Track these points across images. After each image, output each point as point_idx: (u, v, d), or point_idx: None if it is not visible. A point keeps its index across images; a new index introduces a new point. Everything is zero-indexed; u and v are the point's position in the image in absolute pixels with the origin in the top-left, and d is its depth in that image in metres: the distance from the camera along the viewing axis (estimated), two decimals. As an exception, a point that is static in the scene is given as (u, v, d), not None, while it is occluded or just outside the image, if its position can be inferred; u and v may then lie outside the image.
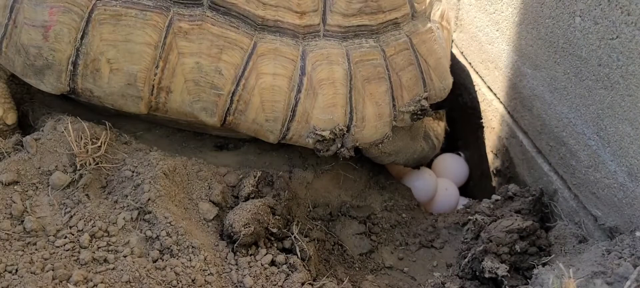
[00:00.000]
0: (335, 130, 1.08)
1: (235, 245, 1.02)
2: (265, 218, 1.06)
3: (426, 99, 1.17)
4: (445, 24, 1.29)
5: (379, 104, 1.12)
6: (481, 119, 1.56)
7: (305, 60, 1.06)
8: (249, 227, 1.02)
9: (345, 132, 1.09)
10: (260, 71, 1.04)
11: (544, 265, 1.02)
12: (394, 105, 1.14)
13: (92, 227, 0.97)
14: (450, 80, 1.25)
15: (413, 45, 1.17)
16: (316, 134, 1.07)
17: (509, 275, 1.03)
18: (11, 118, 1.11)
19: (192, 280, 0.95)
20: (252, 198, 1.10)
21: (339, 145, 1.09)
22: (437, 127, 1.37)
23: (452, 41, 1.68)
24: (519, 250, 1.05)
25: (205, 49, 1.02)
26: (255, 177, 1.13)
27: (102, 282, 0.90)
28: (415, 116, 1.17)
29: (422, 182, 1.44)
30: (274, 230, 1.07)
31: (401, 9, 1.15)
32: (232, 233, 1.02)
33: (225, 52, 1.03)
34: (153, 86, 1.04)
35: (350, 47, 1.09)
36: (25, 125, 1.17)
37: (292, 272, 1.02)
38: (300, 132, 1.08)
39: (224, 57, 1.03)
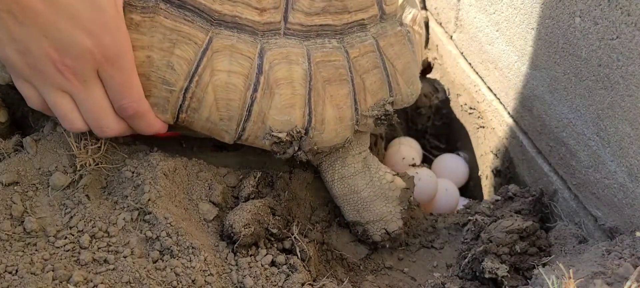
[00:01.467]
0: (292, 132, 1.03)
1: (236, 245, 1.02)
2: (266, 218, 1.06)
3: (391, 103, 1.13)
4: (417, 29, 1.24)
5: (340, 106, 1.07)
6: (481, 119, 1.56)
7: (263, 59, 1.02)
8: (249, 227, 1.02)
9: (302, 135, 1.04)
10: (215, 68, 1.00)
11: (544, 265, 1.02)
12: (356, 109, 1.09)
13: (92, 227, 0.97)
14: (418, 85, 1.21)
15: (380, 48, 1.12)
16: (272, 135, 1.03)
17: (509, 276, 1.04)
18: (3, 115, 1.12)
19: (192, 281, 0.95)
20: (252, 198, 1.10)
21: (296, 148, 1.05)
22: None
23: (452, 40, 1.68)
24: (519, 251, 1.05)
25: (157, 42, 0.97)
26: (255, 178, 1.13)
27: (102, 283, 0.90)
28: (379, 121, 1.12)
29: (422, 183, 1.44)
30: (274, 231, 1.07)
31: (368, 10, 1.11)
32: (232, 234, 1.02)
33: (178, 47, 0.98)
34: None
35: (312, 46, 1.05)
36: (25, 126, 1.17)
37: (292, 272, 1.02)
38: (256, 132, 1.04)
39: (176, 51, 0.98)
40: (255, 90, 1.02)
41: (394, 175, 1.20)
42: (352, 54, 1.09)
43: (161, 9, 0.98)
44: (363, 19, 1.11)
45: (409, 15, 1.22)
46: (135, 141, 1.13)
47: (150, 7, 0.98)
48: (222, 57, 1.00)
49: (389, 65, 1.13)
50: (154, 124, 1.01)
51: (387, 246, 1.21)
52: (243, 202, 1.10)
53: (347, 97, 1.08)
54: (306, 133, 1.05)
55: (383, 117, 1.12)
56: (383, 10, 1.14)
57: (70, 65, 0.89)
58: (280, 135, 1.03)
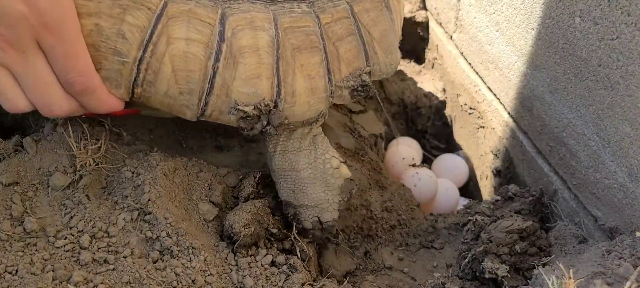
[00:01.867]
0: (260, 105, 0.94)
1: (236, 245, 1.02)
2: (266, 218, 1.06)
3: (369, 73, 1.04)
4: None
5: (312, 76, 0.98)
6: (481, 119, 1.56)
7: (225, 25, 0.92)
8: (249, 227, 1.01)
9: (271, 108, 0.95)
10: (171, 35, 0.90)
11: (544, 265, 1.02)
12: (330, 80, 1.00)
13: (92, 227, 0.97)
14: (398, 55, 1.12)
15: (354, 14, 1.03)
16: (238, 109, 0.94)
17: (509, 276, 1.04)
18: None
19: (192, 281, 0.95)
20: (252, 199, 1.10)
21: (265, 123, 0.96)
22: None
23: (452, 40, 1.68)
24: (519, 251, 1.05)
25: (105, 8, 0.88)
26: (255, 178, 1.12)
27: (102, 283, 0.90)
28: (355, 92, 1.03)
29: (422, 183, 1.44)
30: (274, 231, 1.06)
31: None
32: (232, 234, 1.02)
33: (130, 13, 0.89)
34: None
35: (279, 11, 0.96)
36: (25, 126, 1.17)
37: (292, 272, 1.02)
38: (220, 107, 0.94)
39: (127, 18, 0.89)
40: (217, 59, 0.93)
41: (341, 162, 1.09)
42: (323, 20, 1.00)
43: None
44: None
45: None
46: (136, 141, 1.13)
47: None
48: (179, 23, 0.91)
49: (364, 32, 1.05)
50: (107, 100, 0.91)
51: (317, 235, 1.10)
52: (243, 202, 1.09)
53: (319, 66, 0.99)
54: (275, 106, 0.96)
55: (360, 88, 1.04)
56: None
57: (4, 34, 0.80)
58: (246, 108, 0.94)
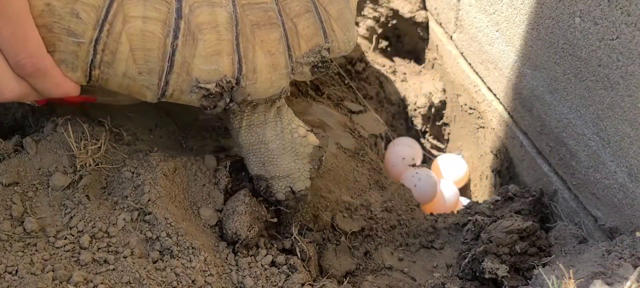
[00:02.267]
0: (221, 82, 0.94)
1: (242, 245, 1.02)
2: (260, 210, 1.05)
3: (328, 50, 1.04)
4: None
5: (273, 52, 0.98)
6: (481, 119, 1.56)
7: (182, 2, 0.92)
8: (253, 228, 1.02)
9: (234, 85, 0.95)
10: (127, 14, 0.89)
11: (544, 265, 1.02)
12: (290, 56, 1.00)
13: (92, 227, 0.97)
14: (354, 32, 1.12)
15: None
16: (200, 87, 0.93)
17: (509, 276, 1.04)
18: None
19: (192, 281, 0.95)
20: (230, 187, 1.08)
21: (228, 101, 0.95)
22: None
23: (452, 40, 1.68)
24: (519, 251, 1.05)
25: None
26: (226, 167, 1.10)
27: (102, 283, 0.90)
28: (316, 69, 1.04)
29: (422, 183, 1.44)
30: (274, 220, 1.05)
31: None
32: (237, 240, 1.02)
33: None
34: None
35: None
36: (25, 126, 1.17)
37: (292, 272, 1.02)
38: (181, 86, 0.93)
39: None
40: (175, 37, 0.92)
41: (307, 130, 1.10)
42: None
43: None
44: None
45: None
46: (136, 141, 1.13)
47: None
48: (135, 1, 0.90)
49: (321, 10, 1.06)
50: (62, 83, 0.89)
51: (291, 205, 1.10)
52: (223, 193, 1.07)
53: (278, 43, 0.99)
54: (237, 83, 0.96)
55: (320, 65, 1.04)
56: None
57: None
58: (208, 86, 0.94)
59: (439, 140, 1.79)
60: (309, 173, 1.09)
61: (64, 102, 1.04)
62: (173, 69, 0.93)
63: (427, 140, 1.78)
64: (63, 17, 0.87)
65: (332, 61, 1.07)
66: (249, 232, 1.01)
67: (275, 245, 1.08)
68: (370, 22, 1.86)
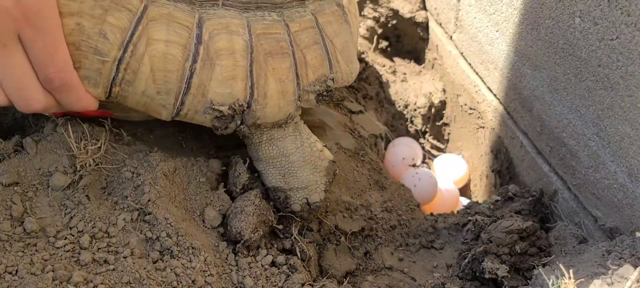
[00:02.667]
0: (234, 105, 0.99)
1: (239, 245, 1.02)
2: (268, 215, 1.06)
3: (332, 80, 1.11)
4: (353, 10, 1.23)
5: (283, 80, 1.04)
6: (481, 119, 1.56)
7: (202, 28, 0.98)
8: (258, 231, 1.03)
9: (245, 108, 1.00)
10: (151, 37, 0.95)
11: (544, 265, 1.02)
12: (298, 84, 1.06)
13: (92, 228, 0.97)
14: (357, 65, 1.20)
15: (319, 25, 1.11)
16: (214, 109, 0.99)
17: (509, 276, 1.04)
18: None
19: (192, 281, 0.95)
20: (247, 185, 1.10)
21: (239, 123, 1.01)
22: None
23: (452, 41, 1.68)
24: (519, 251, 1.05)
25: (87, 8, 0.91)
26: (245, 163, 1.12)
27: (102, 283, 0.90)
28: (320, 97, 1.10)
29: (422, 183, 1.44)
30: (280, 227, 1.06)
31: None
32: (240, 240, 1.02)
33: (111, 14, 0.93)
34: None
35: (252, 18, 1.02)
36: (25, 126, 1.17)
37: (292, 272, 1.02)
38: (196, 106, 0.99)
39: (109, 18, 0.93)
40: (194, 61, 0.97)
41: (323, 145, 1.16)
42: (292, 28, 1.07)
43: None
44: None
45: None
46: (136, 141, 1.13)
47: None
48: (159, 25, 0.96)
49: (328, 42, 1.12)
50: (84, 98, 0.93)
51: (304, 216, 1.14)
52: (240, 191, 1.09)
53: (289, 71, 1.05)
54: (248, 106, 1.01)
55: (325, 93, 1.10)
56: None
57: None
58: (221, 108, 0.99)
59: (439, 140, 1.79)
60: (324, 186, 1.14)
61: (80, 115, 1.06)
62: (190, 90, 0.98)
63: (427, 140, 1.78)
64: (91, 37, 0.92)
65: (335, 90, 1.10)
66: (253, 234, 1.02)
67: (275, 245, 1.08)
68: (370, 22, 1.86)
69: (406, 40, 1.90)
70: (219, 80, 0.99)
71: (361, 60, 1.74)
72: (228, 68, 0.99)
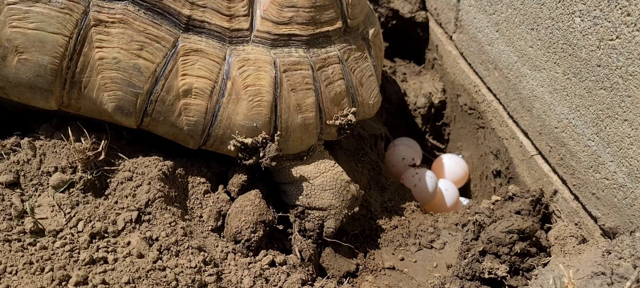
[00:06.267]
0: (258, 138, 1.05)
1: (239, 245, 1.02)
2: (266, 214, 1.06)
3: (354, 114, 1.16)
4: (377, 43, 1.29)
5: (306, 114, 1.10)
6: (481, 119, 1.56)
7: (231, 64, 1.04)
8: (258, 231, 1.03)
9: (268, 141, 1.06)
10: (182, 72, 1.01)
11: (544, 265, 1.02)
12: (321, 118, 1.13)
13: (92, 227, 0.97)
14: (379, 98, 1.25)
15: (343, 61, 1.16)
16: (238, 141, 1.05)
17: (508, 276, 1.04)
18: None
19: (192, 281, 0.95)
20: (245, 185, 1.11)
21: (261, 155, 1.06)
22: None
23: (452, 41, 1.68)
24: (518, 251, 1.05)
25: (124, 44, 0.98)
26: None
27: (101, 283, 0.90)
28: (342, 130, 1.16)
29: (422, 183, 1.44)
30: (279, 227, 1.07)
31: (334, 23, 1.14)
32: (240, 239, 1.03)
33: (146, 49, 0.99)
34: (65, 80, 0.99)
35: (279, 54, 1.08)
36: (25, 126, 1.17)
37: (292, 272, 1.02)
38: (221, 138, 1.05)
39: (144, 54, 0.99)
40: (222, 95, 1.04)
41: (350, 179, 1.19)
42: (317, 65, 1.12)
43: (130, 11, 0.99)
44: (328, 31, 1.14)
45: (371, 29, 1.27)
46: (136, 141, 1.13)
47: (118, 8, 0.98)
48: (190, 61, 1.02)
49: (352, 77, 1.18)
50: None
51: (313, 237, 1.16)
52: (238, 191, 1.10)
53: (312, 106, 1.11)
54: (272, 139, 1.07)
55: (346, 127, 1.15)
56: (347, 24, 1.18)
57: None
58: (246, 141, 1.05)
59: (439, 140, 1.79)
60: (342, 217, 1.17)
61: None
62: (217, 122, 1.04)
63: (427, 140, 1.77)
64: (126, 70, 0.99)
65: (357, 124, 1.17)
66: (253, 234, 1.02)
67: (275, 245, 1.08)
68: (370, 22, 1.86)
69: (406, 40, 1.89)
70: (244, 114, 1.05)
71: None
72: (254, 103, 1.05)
